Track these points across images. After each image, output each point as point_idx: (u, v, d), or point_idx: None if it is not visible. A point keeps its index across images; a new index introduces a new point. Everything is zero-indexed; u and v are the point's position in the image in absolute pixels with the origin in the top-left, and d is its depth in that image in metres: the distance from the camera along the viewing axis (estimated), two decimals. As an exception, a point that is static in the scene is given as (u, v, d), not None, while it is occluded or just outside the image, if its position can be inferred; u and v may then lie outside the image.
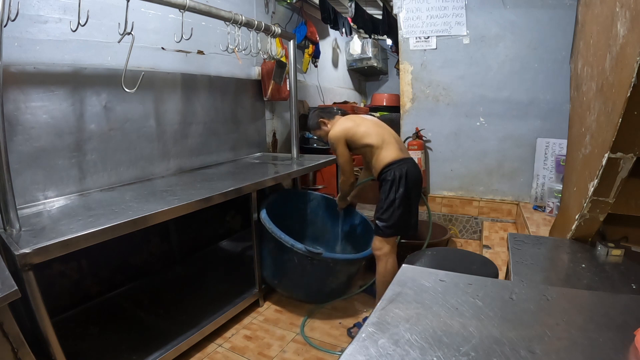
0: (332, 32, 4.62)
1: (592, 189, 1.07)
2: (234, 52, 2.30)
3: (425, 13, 3.11)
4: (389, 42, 5.20)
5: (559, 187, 2.47)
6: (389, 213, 1.93)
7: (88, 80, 1.90)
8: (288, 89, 2.95)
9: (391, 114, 4.55)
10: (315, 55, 4.07)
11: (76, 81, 1.85)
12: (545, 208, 2.70)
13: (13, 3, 1.37)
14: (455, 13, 3.03)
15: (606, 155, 0.97)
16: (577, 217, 1.21)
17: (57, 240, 1.21)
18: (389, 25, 4.11)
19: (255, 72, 3.12)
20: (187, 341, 1.77)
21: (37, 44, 1.69)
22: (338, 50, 5.03)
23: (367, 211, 3.27)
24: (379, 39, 5.37)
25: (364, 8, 4.10)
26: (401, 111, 3.43)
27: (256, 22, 2.29)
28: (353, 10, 3.86)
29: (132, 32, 1.64)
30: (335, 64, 4.98)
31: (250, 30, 2.32)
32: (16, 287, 0.97)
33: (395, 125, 2.20)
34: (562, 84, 2.62)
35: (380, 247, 1.98)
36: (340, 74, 5.18)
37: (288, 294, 2.31)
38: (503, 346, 0.67)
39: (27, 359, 1.02)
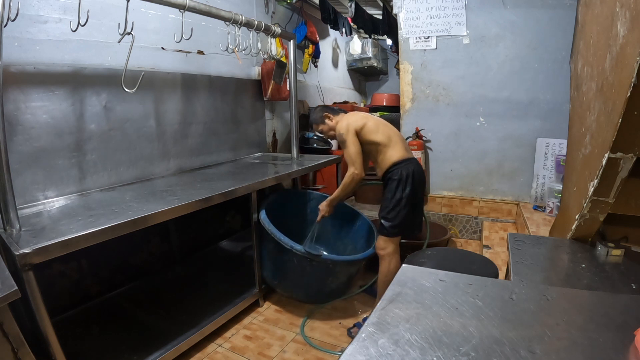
0: (332, 32, 4.62)
1: (592, 189, 1.07)
2: (234, 52, 2.30)
3: (425, 13, 3.11)
4: (389, 42, 5.20)
5: (559, 187, 2.47)
6: (395, 212, 1.92)
7: (88, 80, 1.90)
8: (288, 89, 2.95)
9: (391, 114, 4.54)
10: (315, 55, 4.07)
11: (76, 81, 1.85)
12: (545, 208, 2.70)
13: (13, 3, 1.37)
14: (455, 13, 3.03)
15: (606, 155, 0.97)
16: (577, 217, 1.21)
17: (57, 240, 1.21)
18: (389, 25, 4.11)
19: (255, 72, 3.12)
20: (187, 341, 1.77)
21: (37, 44, 1.69)
22: (338, 50, 5.03)
23: (367, 211, 3.27)
24: (379, 39, 5.37)
25: (364, 8, 4.10)
26: (401, 111, 3.44)
27: (256, 22, 2.30)
28: (353, 10, 3.86)
29: (132, 32, 1.64)
30: (335, 64, 4.98)
31: (250, 30, 2.32)
32: (16, 287, 0.97)
33: (395, 125, 2.20)
34: (562, 84, 2.62)
35: (385, 246, 1.98)
36: (340, 74, 5.18)
37: (288, 294, 2.31)
38: (503, 346, 0.67)
39: (27, 359, 1.02)
